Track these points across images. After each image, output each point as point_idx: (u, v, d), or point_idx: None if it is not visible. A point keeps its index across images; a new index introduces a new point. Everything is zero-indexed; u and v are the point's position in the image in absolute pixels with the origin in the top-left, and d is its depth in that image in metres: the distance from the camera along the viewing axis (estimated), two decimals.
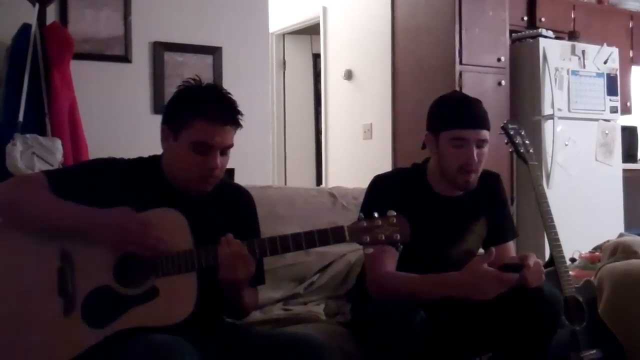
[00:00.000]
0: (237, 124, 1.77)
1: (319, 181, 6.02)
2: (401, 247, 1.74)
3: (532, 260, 1.93)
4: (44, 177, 1.74)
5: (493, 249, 1.94)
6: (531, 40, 4.69)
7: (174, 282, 1.66)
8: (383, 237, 1.69)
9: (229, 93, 1.80)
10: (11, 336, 1.62)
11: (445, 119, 2.06)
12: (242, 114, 1.78)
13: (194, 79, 1.81)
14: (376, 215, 1.71)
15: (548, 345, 2.01)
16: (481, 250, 2.20)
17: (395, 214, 1.71)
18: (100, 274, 1.65)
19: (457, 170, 2.04)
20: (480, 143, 2.03)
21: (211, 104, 1.74)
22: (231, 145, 1.77)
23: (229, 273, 1.67)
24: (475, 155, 2.02)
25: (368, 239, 1.70)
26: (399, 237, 1.70)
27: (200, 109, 1.72)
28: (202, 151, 1.72)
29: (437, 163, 2.10)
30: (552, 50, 4.64)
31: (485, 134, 2.04)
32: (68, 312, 1.63)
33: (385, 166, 4.73)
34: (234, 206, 1.91)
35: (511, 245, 2.24)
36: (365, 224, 1.71)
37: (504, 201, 2.26)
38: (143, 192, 1.76)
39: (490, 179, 2.21)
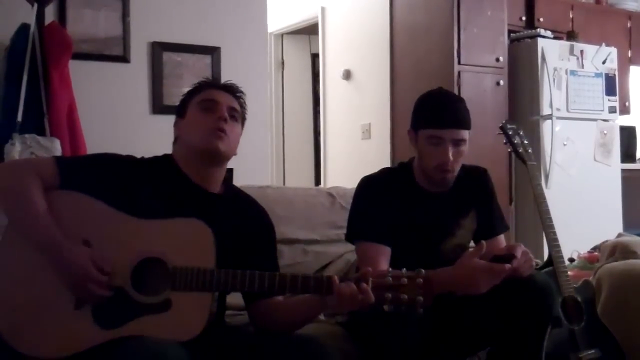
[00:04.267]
0: (238, 94, 1.90)
1: (317, 181, 6.02)
2: (422, 311, 1.61)
3: (520, 250, 1.94)
4: (54, 166, 1.72)
5: (483, 242, 1.92)
6: (529, 40, 4.70)
7: (188, 300, 1.62)
8: (406, 297, 1.58)
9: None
10: (25, 317, 1.61)
11: (423, 117, 2.08)
12: (243, 93, 1.92)
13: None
14: (404, 271, 1.61)
15: (544, 334, 2.02)
16: (472, 245, 2.20)
17: (424, 273, 1.59)
18: (118, 274, 1.63)
19: (433, 168, 2.06)
20: (457, 142, 2.03)
21: (212, 81, 1.96)
22: (238, 111, 1.86)
23: (348, 307, 1.68)
24: (450, 154, 2.02)
25: (390, 297, 1.59)
26: (421, 300, 1.58)
27: (203, 84, 1.90)
28: (209, 107, 1.81)
29: (418, 159, 2.12)
30: (551, 50, 4.64)
31: (462, 133, 2.04)
32: (79, 307, 1.61)
33: (384, 166, 4.71)
34: (250, 219, 1.90)
35: (502, 239, 2.25)
36: (390, 281, 1.60)
37: (492, 195, 2.26)
38: (161, 186, 1.77)
39: (477, 173, 2.22)
